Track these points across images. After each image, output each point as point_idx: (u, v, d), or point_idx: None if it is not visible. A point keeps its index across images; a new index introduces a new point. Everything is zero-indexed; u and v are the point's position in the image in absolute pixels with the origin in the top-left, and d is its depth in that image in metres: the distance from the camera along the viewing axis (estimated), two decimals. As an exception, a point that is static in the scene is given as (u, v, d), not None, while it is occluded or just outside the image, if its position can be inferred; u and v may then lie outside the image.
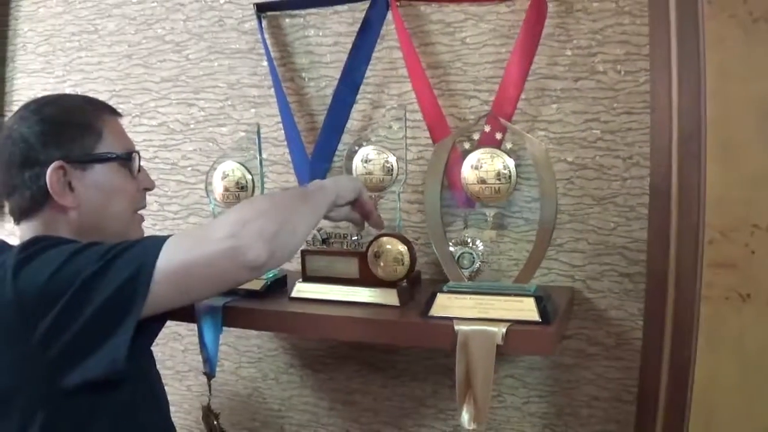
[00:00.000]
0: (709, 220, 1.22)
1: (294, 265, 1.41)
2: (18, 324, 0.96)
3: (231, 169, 1.36)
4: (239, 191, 1.35)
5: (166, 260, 0.97)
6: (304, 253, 1.31)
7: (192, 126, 1.69)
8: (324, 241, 1.31)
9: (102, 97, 1.46)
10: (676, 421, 1.27)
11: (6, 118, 1.76)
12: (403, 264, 1.23)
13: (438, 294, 1.16)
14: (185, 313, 1.26)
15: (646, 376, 1.30)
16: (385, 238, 1.25)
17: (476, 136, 1.19)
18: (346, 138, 1.49)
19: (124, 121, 1.25)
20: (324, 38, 1.53)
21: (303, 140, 1.53)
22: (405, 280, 1.26)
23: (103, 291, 0.95)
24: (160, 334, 1.21)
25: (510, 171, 1.14)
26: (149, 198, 1.31)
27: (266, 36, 1.56)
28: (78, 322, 0.95)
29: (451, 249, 1.24)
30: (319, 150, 1.50)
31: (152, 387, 1.23)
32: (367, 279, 1.26)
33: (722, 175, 1.21)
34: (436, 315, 1.14)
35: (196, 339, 1.34)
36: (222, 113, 1.66)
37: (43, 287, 0.95)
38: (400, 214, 1.36)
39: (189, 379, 1.80)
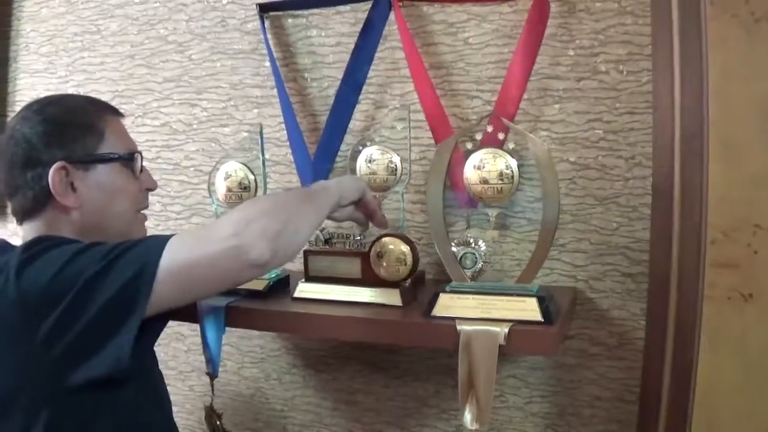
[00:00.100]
0: (711, 220, 1.22)
1: (297, 265, 1.41)
2: (21, 323, 0.96)
3: (234, 170, 1.36)
4: (242, 191, 1.35)
5: (169, 259, 0.98)
6: (306, 253, 1.31)
7: (195, 126, 1.70)
8: (327, 242, 1.31)
9: (105, 98, 1.46)
10: (678, 421, 1.27)
11: (9, 119, 1.76)
12: (405, 264, 1.23)
13: (440, 294, 1.16)
14: (188, 314, 1.27)
15: (648, 376, 1.30)
16: (387, 239, 1.25)
17: (479, 136, 1.19)
18: (349, 138, 1.49)
19: (127, 122, 1.26)
20: (326, 38, 1.53)
21: (305, 140, 1.53)
22: (408, 280, 1.26)
23: (107, 290, 0.96)
24: (163, 335, 1.21)
25: (512, 171, 1.14)
26: (152, 198, 1.31)
27: (269, 36, 1.56)
28: (81, 322, 0.95)
29: (454, 249, 1.24)
30: (321, 150, 1.50)
31: (155, 387, 1.24)
32: (369, 279, 1.26)
33: (724, 174, 1.21)
34: (438, 315, 1.14)
35: (198, 339, 1.34)
36: (225, 113, 1.66)
37: (46, 287, 0.96)
38: (404, 215, 1.36)
39: (192, 379, 1.80)
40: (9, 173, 1.12)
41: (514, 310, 1.10)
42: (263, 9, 1.55)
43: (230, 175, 1.36)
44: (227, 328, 1.30)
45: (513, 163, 1.14)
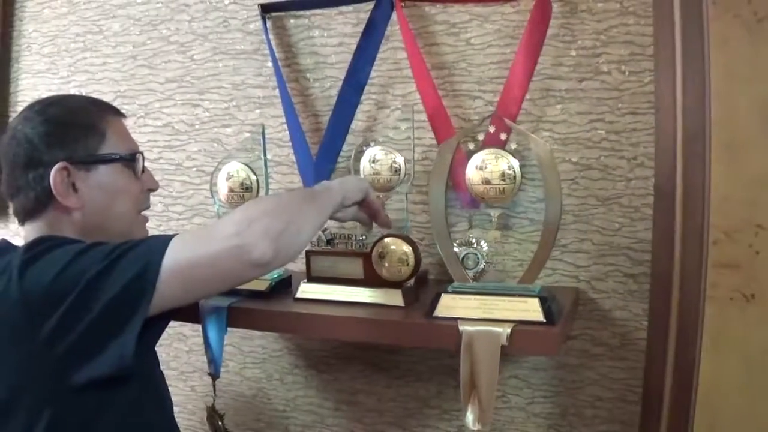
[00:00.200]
0: (713, 220, 1.22)
1: (299, 265, 1.41)
2: (24, 323, 0.97)
3: (236, 170, 1.36)
4: (244, 192, 1.35)
5: (172, 258, 0.98)
6: (308, 253, 1.31)
7: (197, 127, 1.70)
8: (329, 242, 1.31)
9: (107, 98, 1.46)
10: (680, 421, 1.27)
11: (11, 119, 1.76)
12: (407, 264, 1.23)
13: (442, 294, 1.16)
14: (190, 314, 1.27)
15: (650, 377, 1.30)
16: (389, 239, 1.25)
17: (481, 137, 1.19)
18: (351, 139, 1.49)
19: (129, 122, 1.26)
20: (329, 39, 1.53)
21: (308, 141, 1.53)
22: (410, 281, 1.26)
23: (109, 290, 0.96)
24: (165, 335, 1.21)
25: (514, 171, 1.14)
26: (154, 199, 1.31)
27: (271, 37, 1.56)
28: (84, 321, 0.95)
29: (456, 249, 1.24)
30: (323, 151, 1.50)
31: (156, 387, 1.23)
32: (371, 279, 1.26)
33: (727, 175, 1.21)
34: (440, 315, 1.14)
35: (200, 340, 1.34)
36: (227, 114, 1.66)
37: (48, 287, 0.96)
38: (408, 215, 1.36)
39: (193, 379, 1.80)
40: (11, 174, 1.13)
41: (516, 310, 1.10)
42: (265, 9, 1.55)
43: (232, 175, 1.36)
44: (229, 329, 1.30)
45: (515, 163, 1.14)
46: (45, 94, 1.42)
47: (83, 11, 1.81)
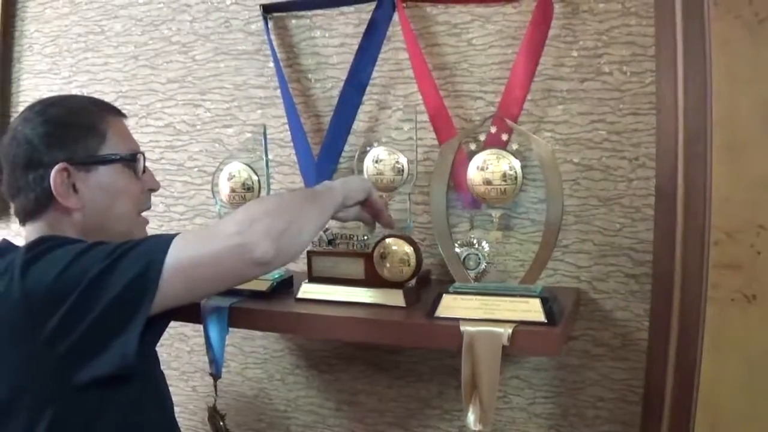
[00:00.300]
0: (714, 221, 1.22)
1: (300, 265, 1.41)
2: (25, 323, 0.97)
3: (237, 170, 1.36)
4: (245, 192, 1.35)
5: (174, 257, 0.98)
6: (310, 253, 1.31)
7: (198, 127, 1.70)
8: (330, 242, 1.31)
9: (108, 98, 1.47)
10: (681, 421, 1.27)
11: (12, 119, 1.76)
12: (409, 265, 1.23)
13: (444, 295, 1.16)
14: (191, 314, 1.27)
15: (651, 377, 1.30)
16: (391, 239, 1.25)
17: (482, 137, 1.19)
18: (353, 139, 1.49)
19: (131, 122, 1.26)
20: (330, 39, 1.53)
21: (309, 141, 1.53)
22: (412, 281, 1.26)
23: (111, 289, 0.96)
24: (166, 335, 1.21)
25: (516, 172, 1.14)
26: (155, 199, 1.31)
27: (272, 37, 1.56)
28: (86, 321, 0.95)
29: (457, 250, 1.24)
30: (325, 151, 1.50)
31: (157, 386, 1.24)
32: (373, 280, 1.26)
33: (728, 176, 1.21)
34: (441, 316, 1.14)
35: (201, 340, 1.34)
36: (228, 114, 1.66)
37: (50, 286, 0.96)
38: (410, 215, 1.36)
39: (195, 379, 1.80)
40: (11, 174, 1.13)
41: (518, 310, 1.10)
42: (267, 10, 1.55)
43: (234, 175, 1.36)
44: (230, 329, 1.30)
45: (516, 164, 1.14)
46: (46, 95, 1.43)
47: (85, 11, 1.81)
